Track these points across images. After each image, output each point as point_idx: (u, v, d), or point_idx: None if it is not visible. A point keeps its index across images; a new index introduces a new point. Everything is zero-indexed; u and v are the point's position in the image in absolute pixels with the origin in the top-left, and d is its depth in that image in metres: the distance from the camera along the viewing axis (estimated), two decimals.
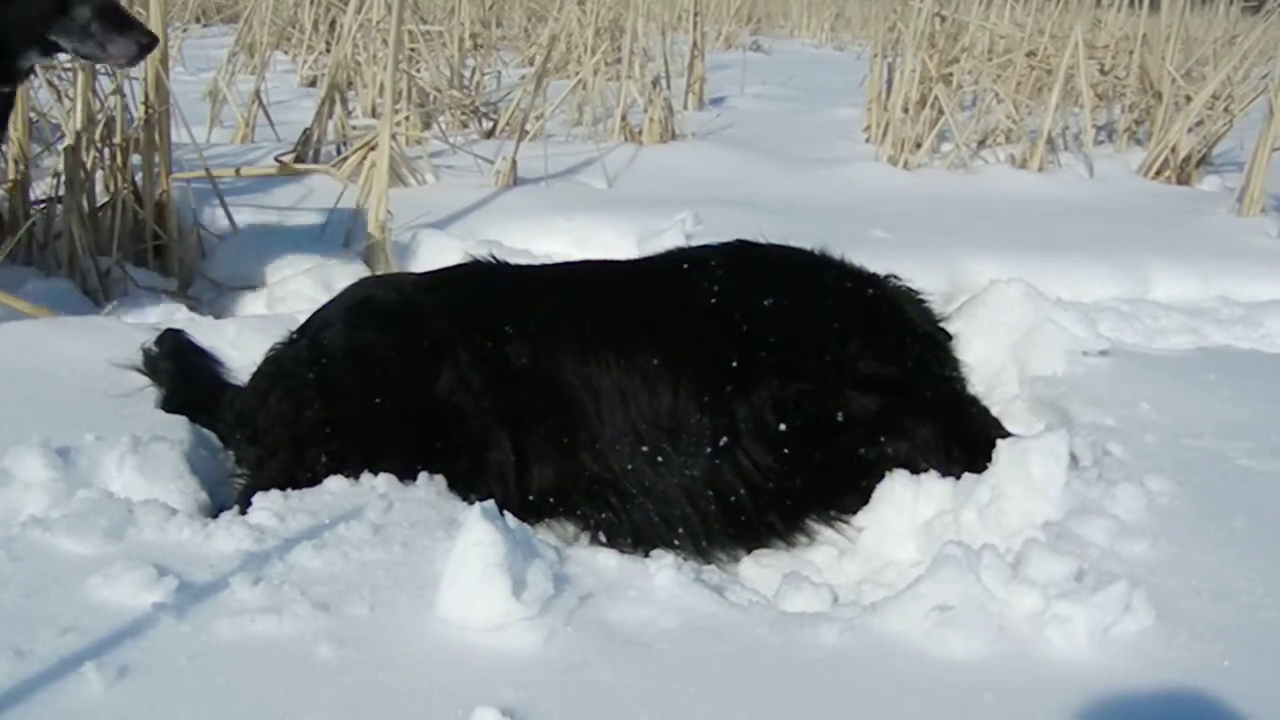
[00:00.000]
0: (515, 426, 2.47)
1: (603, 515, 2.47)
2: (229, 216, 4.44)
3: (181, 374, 2.84)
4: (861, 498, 2.50)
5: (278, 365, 2.63)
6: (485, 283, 2.74)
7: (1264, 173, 6.09)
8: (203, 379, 2.87)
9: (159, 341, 2.94)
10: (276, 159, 5.91)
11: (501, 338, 2.52)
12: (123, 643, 1.71)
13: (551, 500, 2.49)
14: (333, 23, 7.98)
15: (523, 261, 2.97)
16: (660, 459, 2.48)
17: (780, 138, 7.83)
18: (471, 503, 2.01)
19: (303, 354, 2.60)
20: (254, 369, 2.71)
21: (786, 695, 1.73)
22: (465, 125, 7.33)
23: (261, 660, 1.72)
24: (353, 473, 2.36)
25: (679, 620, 1.92)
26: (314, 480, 2.35)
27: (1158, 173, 7.20)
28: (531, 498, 2.47)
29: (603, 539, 2.46)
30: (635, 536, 2.46)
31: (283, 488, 2.30)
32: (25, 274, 3.98)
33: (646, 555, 2.34)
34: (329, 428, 2.44)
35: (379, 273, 4.26)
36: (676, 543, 2.45)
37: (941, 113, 6.99)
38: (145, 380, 2.83)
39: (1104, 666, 1.80)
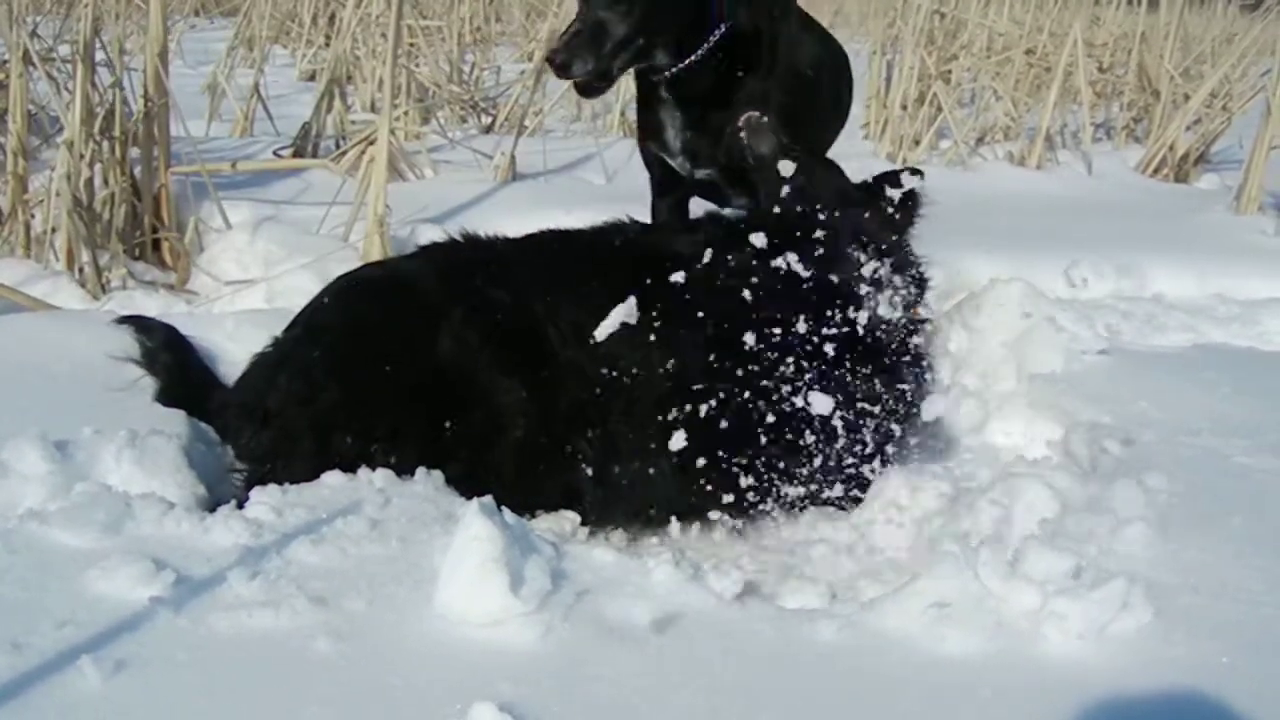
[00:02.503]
0: (517, 370, 2.52)
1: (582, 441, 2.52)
2: (221, 211, 4.43)
3: (179, 367, 2.84)
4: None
5: (279, 350, 2.62)
6: (467, 242, 2.85)
7: (1261, 170, 6.07)
8: (201, 375, 2.87)
9: (141, 330, 2.94)
10: (275, 153, 5.91)
11: (489, 279, 2.61)
12: (120, 636, 1.71)
13: (544, 440, 2.51)
14: (332, 17, 7.97)
15: None
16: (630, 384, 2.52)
17: None
18: (469, 498, 2.01)
19: (303, 335, 2.61)
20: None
21: (783, 691, 1.73)
22: (464, 120, 7.31)
23: (258, 655, 1.72)
24: (379, 447, 2.41)
25: (676, 616, 1.92)
26: (343, 462, 2.38)
27: (1156, 170, 7.19)
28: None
29: (588, 470, 2.50)
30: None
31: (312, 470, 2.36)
32: (23, 267, 3.99)
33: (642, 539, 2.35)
34: (349, 407, 2.45)
35: None
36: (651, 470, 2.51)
37: (940, 110, 6.99)
38: (143, 373, 2.83)
39: (1101, 664, 1.80)
